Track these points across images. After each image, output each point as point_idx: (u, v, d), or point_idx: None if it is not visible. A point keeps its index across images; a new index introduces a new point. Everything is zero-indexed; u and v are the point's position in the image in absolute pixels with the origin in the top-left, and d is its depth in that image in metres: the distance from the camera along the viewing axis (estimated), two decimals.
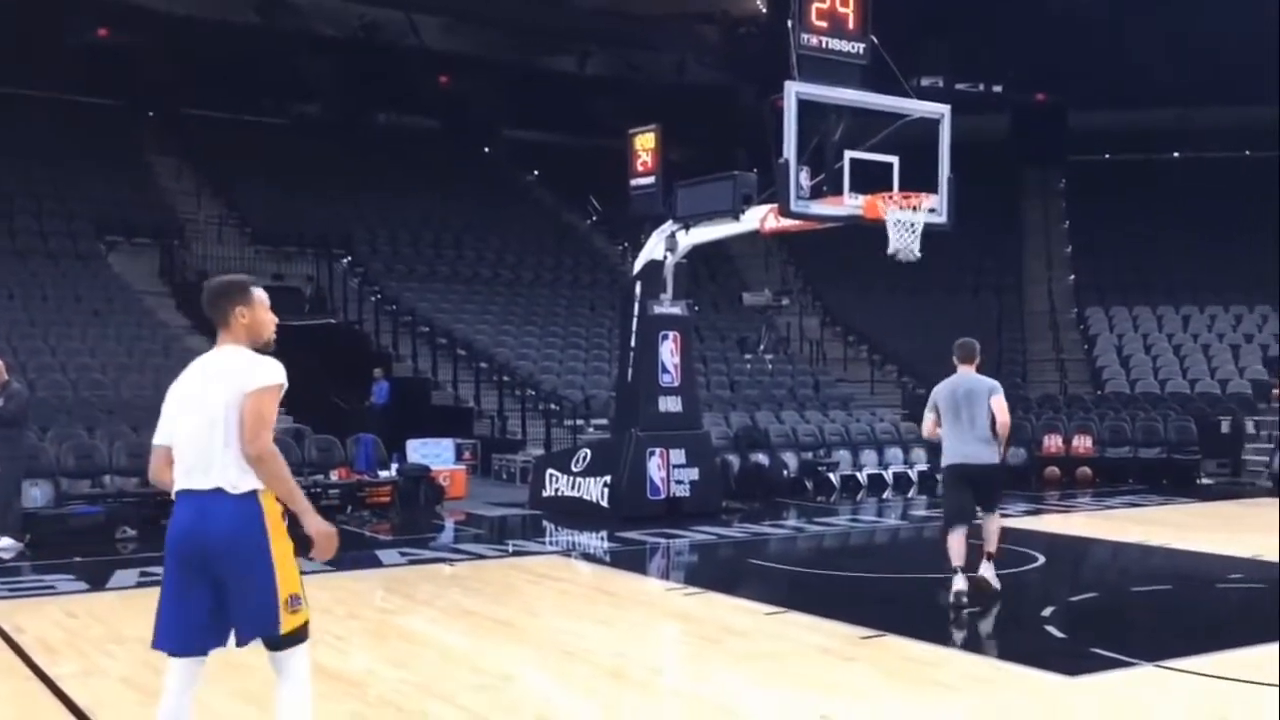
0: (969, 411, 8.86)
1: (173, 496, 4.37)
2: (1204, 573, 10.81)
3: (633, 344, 14.71)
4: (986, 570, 9.14)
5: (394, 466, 15.52)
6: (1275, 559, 10.94)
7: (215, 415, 4.28)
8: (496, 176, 29.27)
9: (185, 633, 4.29)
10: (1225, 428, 19.51)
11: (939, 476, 10.28)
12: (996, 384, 9.05)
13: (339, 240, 24.10)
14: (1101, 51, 26.34)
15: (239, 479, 4.27)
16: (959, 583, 8.79)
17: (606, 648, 7.67)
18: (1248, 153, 28.07)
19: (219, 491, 4.26)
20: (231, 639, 4.35)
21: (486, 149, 30.82)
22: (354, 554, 11.38)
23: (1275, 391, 14.42)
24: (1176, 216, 25.47)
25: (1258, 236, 24.42)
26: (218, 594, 4.26)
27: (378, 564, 11.22)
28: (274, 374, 4.37)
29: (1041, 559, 11.34)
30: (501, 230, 26.48)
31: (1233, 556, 11.23)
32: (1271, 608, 9.38)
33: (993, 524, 9.20)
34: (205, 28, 26.57)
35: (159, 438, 4.49)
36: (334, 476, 14.84)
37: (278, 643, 4.34)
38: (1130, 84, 26.83)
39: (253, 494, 4.29)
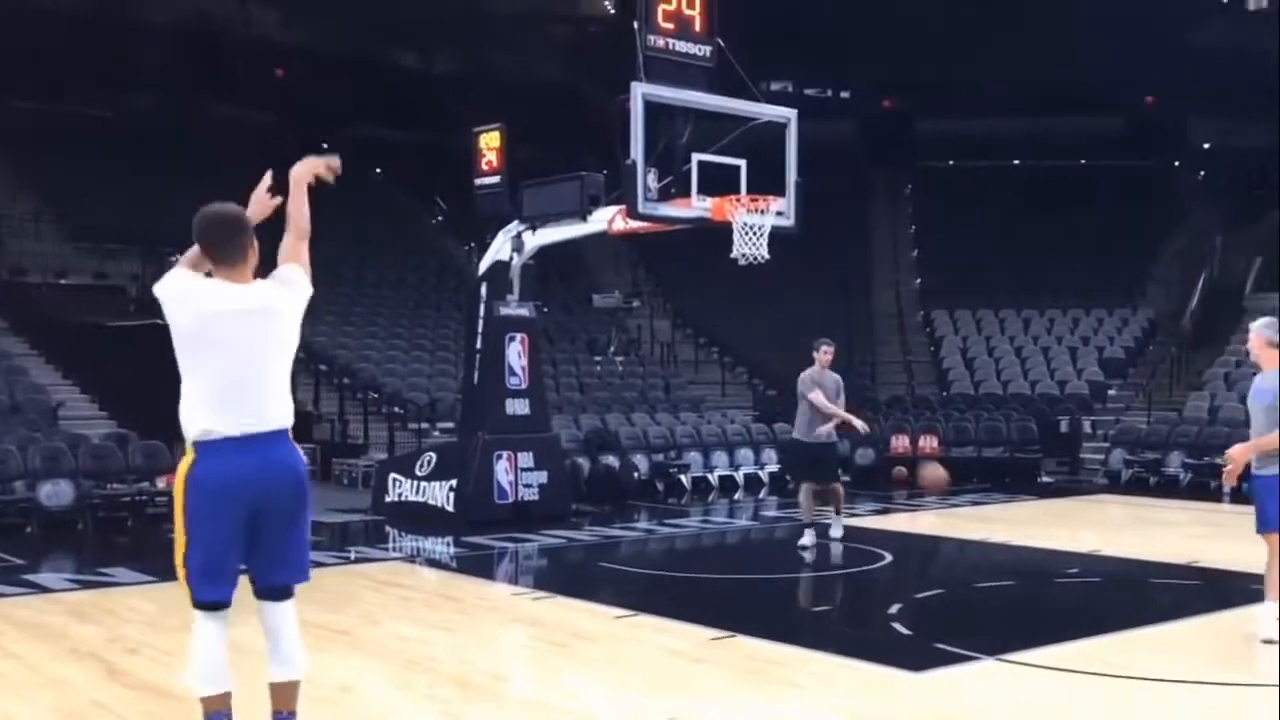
0: None
1: (210, 438, 4.16)
2: (1044, 568, 11.23)
3: (479, 346, 14.59)
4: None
5: None
6: (1111, 554, 11.45)
7: (273, 351, 4.27)
8: (340, 174, 28.65)
9: (231, 581, 4.35)
10: (1064, 427, 20.38)
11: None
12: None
13: (167, 237, 23.13)
14: (947, 60, 27.21)
15: (290, 419, 4.26)
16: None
17: (451, 655, 7.55)
18: (1083, 162, 29.39)
19: (283, 433, 4.23)
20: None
21: (326, 144, 30.11)
22: None
23: None
24: (1018, 222, 26.47)
25: (1095, 243, 25.61)
26: (254, 540, 4.28)
27: None
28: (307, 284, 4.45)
29: (889, 557, 11.62)
30: (343, 228, 25.90)
31: (1071, 552, 11.71)
32: (1107, 601, 9.81)
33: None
34: (26, 12, 25.37)
35: (197, 378, 4.25)
36: (161, 484, 14.27)
37: (291, 591, 4.52)
38: (975, 93, 27.78)
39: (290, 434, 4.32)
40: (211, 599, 4.41)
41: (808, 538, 11.82)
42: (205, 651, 4.42)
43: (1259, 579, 8.62)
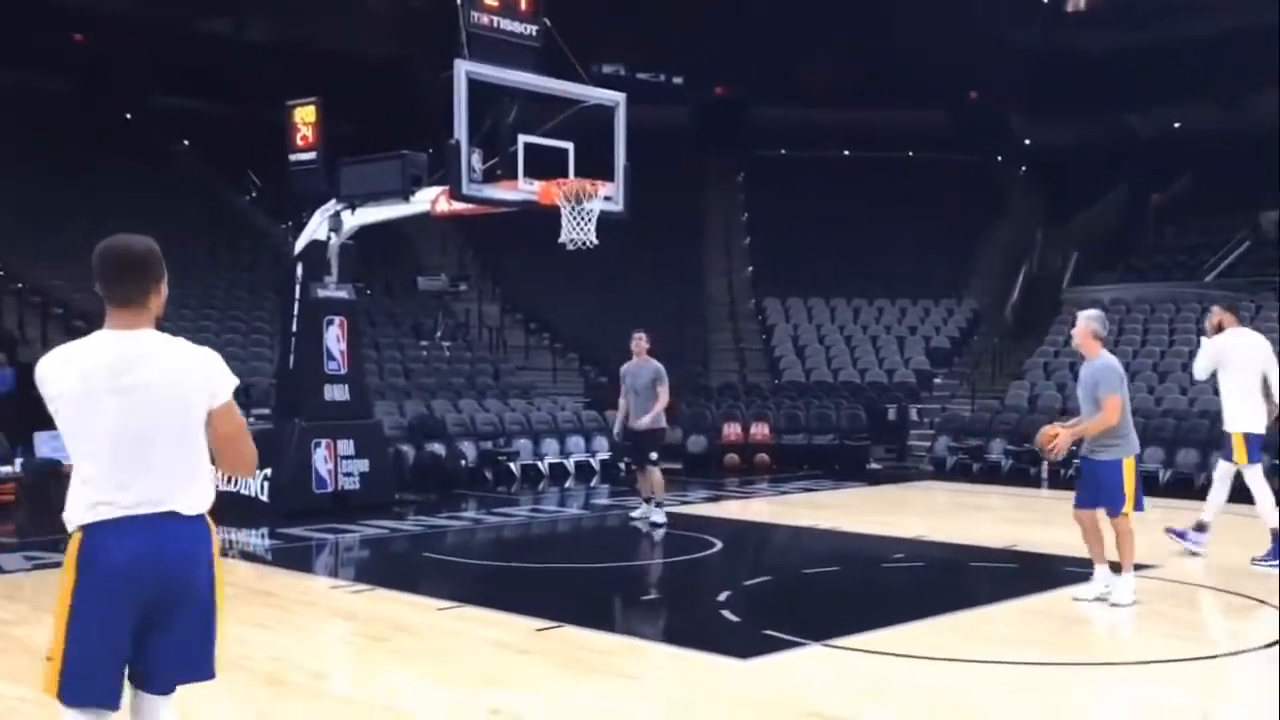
0: None
1: (92, 521, 3.63)
2: (871, 553, 11.56)
3: (294, 329, 14.25)
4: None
5: (18, 461, 14.30)
6: (935, 539, 11.86)
7: (177, 424, 3.69)
8: (143, 145, 27.51)
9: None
10: (892, 415, 21.01)
11: None
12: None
13: None
14: (778, 49, 27.72)
15: (197, 500, 3.75)
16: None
17: (263, 652, 7.31)
18: (910, 154, 30.34)
19: (174, 515, 3.69)
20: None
21: (129, 115, 28.92)
22: None
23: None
24: (848, 212, 27.14)
25: (921, 234, 26.47)
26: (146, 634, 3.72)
27: None
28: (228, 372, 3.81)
29: (719, 544, 11.78)
30: (148, 204, 24.88)
31: (897, 537, 12.06)
32: (930, 585, 10.15)
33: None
34: None
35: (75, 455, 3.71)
36: None
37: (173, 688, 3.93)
38: (805, 83, 28.39)
39: (203, 516, 3.78)
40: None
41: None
42: None
43: (1074, 561, 9.07)
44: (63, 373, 3.74)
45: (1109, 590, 8.38)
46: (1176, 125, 30.12)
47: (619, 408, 12.85)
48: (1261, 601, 8.56)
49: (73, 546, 3.68)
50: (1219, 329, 10.15)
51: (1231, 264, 23.88)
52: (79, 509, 3.67)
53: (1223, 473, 10.23)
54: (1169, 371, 20.00)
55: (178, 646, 3.84)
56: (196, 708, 6.12)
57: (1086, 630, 8.10)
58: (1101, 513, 8.35)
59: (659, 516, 12.65)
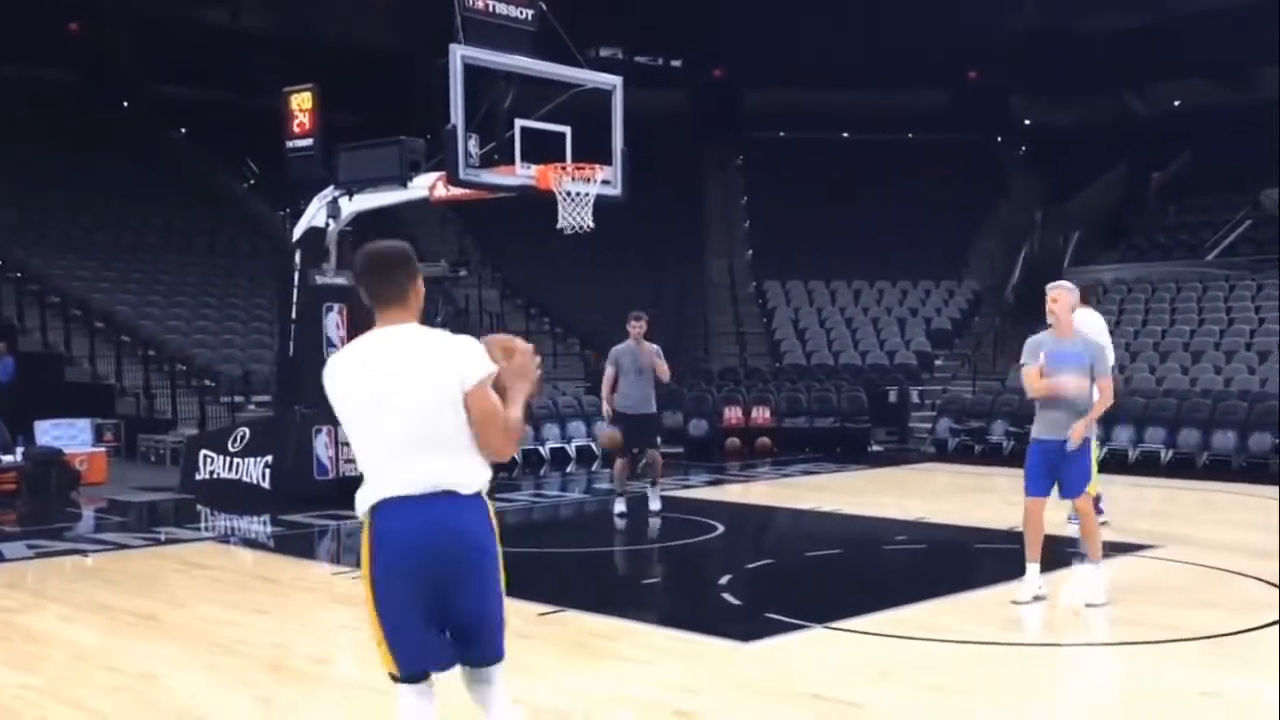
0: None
1: (378, 501, 3.86)
2: (872, 536, 11.56)
3: (294, 316, 14.24)
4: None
5: (19, 450, 14.30)
6: (936, 520, 11.85)
7: (443, 412, 3.86)
8: (140, 134, 27.45)
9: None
10: (893, 397, 21.00)
11: None
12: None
13: None
14: (776, 31, 27.64)
15: (471, 478, 3.94)
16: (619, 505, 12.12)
17: (263, 638, 7.33)
18: (910, 135, 30.26)
19: (451, 494, 3.89)
20: None
21: (126, 103, 28.86)
22: None
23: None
24: (847, 194, 27.09)
25: (922, 215, 26.41)
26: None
27: None
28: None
29: (721, 528, 11.78)
30: (146, 192, 24.90)
31: (899, 519, 12.07)
32: (932, 567, 10.15)
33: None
34: None
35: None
36: None
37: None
38: (803, 65, 28.29)
39: (479, 494, 3.99)
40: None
41: (617, 505, 12.34)
42: None
43: (1075, 543, 9.06)
44: (343, 373, 3.96)
45: (1043, 588, 7.94)
46: (1176, 104, 30.06)
47: (604, 391, 12.30)
48: (1260, 579, 8.56)
49: (365, 532, 3.91)
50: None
51: (1233, 243, 23.83)
52: (367, 496, 3.90)
53: None
54: (1170, 351, 19.98)
55: (474, 619, 3.99)
56: (198, 693, 6.16)
57: (1088, 611, 8.09)
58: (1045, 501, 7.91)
59: (657, 503, 12.49)
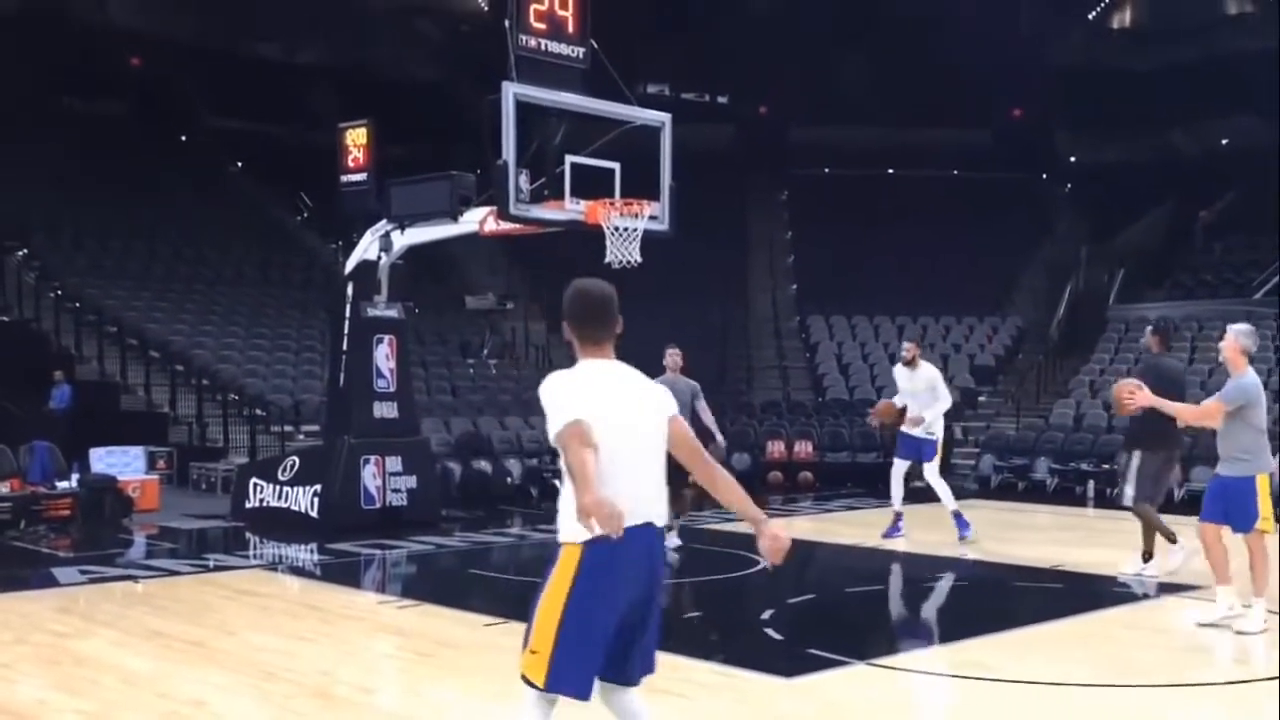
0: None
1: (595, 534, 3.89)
2: (914, 572, 11.46)
3: (345, 347, 14.32)
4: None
5: (74, 477, 14.51)
6: (979, 558, 11.74)
7: (658, 444, 4.14)
8: (196, 166, 27.92)
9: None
10: None
11: None
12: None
13: (13, 232, 22.39)
14: (820, 68, 27.73)
15: (665, 512, 4.21)
16: None
17: (311, 666, 7.37)
18: (955, 172, 30.18)
19: (652, 526, 4.11)
20: None
21: (184, 137, 29.36)
22: (26, 573, 10.65)
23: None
24: (892, 231, 27.04)
25: (966, 251, 26.29)
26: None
27: (53, 583, 10.44)
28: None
29: (761, 562, 11.70)
30: (201, 224, 25.27)
31: (940, 556, 11.95)
32: (975, 604, 10.05)
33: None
34: None
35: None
36: (4, 488, 13.74)
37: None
38: (848, 102, 28.35)
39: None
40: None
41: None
42: None
43: (1120, 582, 8.95)
44: (579, 399, 4.06)
45: (1233, 613, 8.25)
46: (1224, 142, 29.78)
47: None
48: None
49: (574, 555, 4.02)
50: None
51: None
52: (580, 523, 3.87)
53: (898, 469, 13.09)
54: (1216, 388, 19.69)
55: (647, 644, 4.21)
56: (241, 719, 6.20)
57: (1133, 652, 7.98)
58: (1227, 530, 8.26)
59: (675, 540, 12.24)
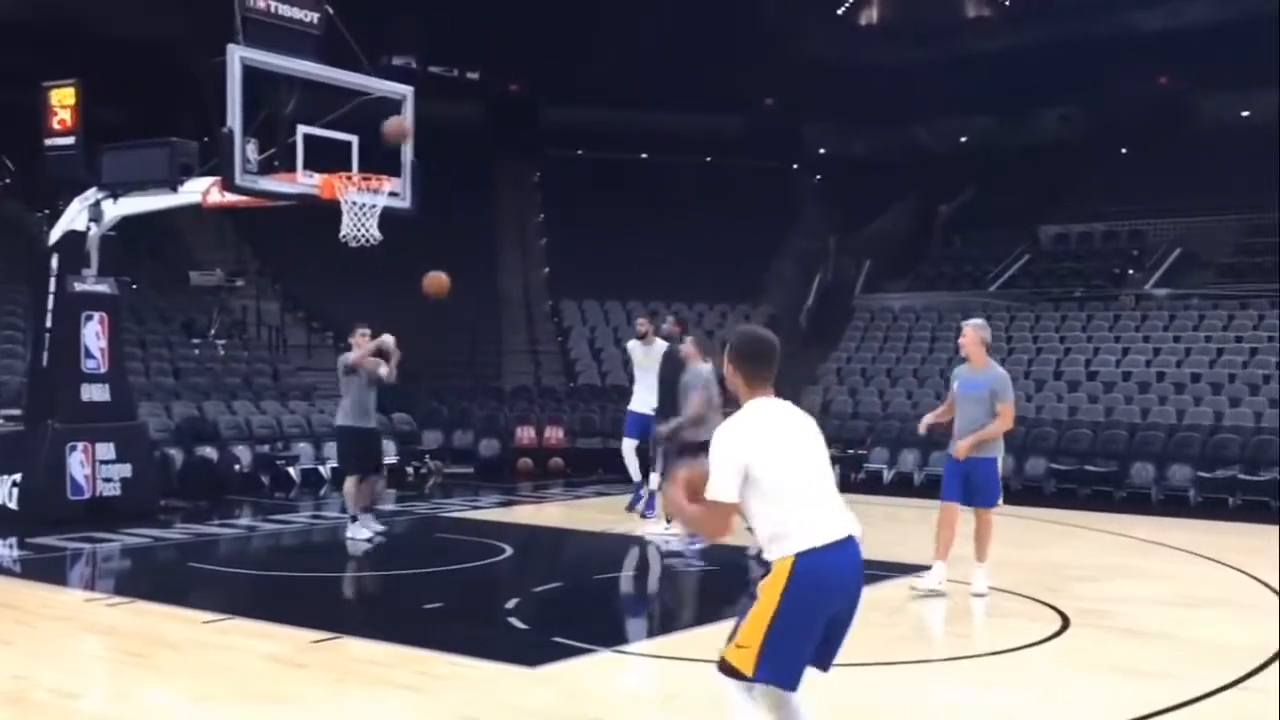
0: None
1: (806, 547, 4.41)
2: (664, 558, 11.58)
3: (49, 325, 13.50)
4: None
5: None
6: (728, 541, 11.96)
7: (826, 462, 4.63)
8: None
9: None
10: None
11: None
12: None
13: None
14: (575, 48, 27.78)
15: (854, 522, 4.59)
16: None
17: (6, 670, 6.85)
18: (709, 159, 30.85)
19: (850, 538, 4.53)
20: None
21: None
22: None
23: None
24: (646, 215, 27.36)
25: (719, 238, 26.88)
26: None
27: None
28: None
29: (509, 550, 11.66)
30: None
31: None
32: (719, 588, 10.26)
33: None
34: None
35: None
36: None
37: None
38: (602, 83, 28.51)
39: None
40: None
41: (363, 530, 12.06)
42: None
43: (866, 564, 9.30)
44: (755, 440, 4.54)
45: (942, 584, 9.10)
46: (963, 139, 31.55)
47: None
48: (1037, 600, 8.97)
49: (785, 565, 4.43)
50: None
51: (1013, 275, 25.07)
52: (792, 538, 4.45)
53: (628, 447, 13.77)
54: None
55: (835, 650, 4.66)
56: None
57: (875, 632, 8.29)
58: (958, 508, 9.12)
59: (378, 526, 12.50)
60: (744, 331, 4.88)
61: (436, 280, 12.27)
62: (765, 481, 4.48)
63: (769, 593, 4.48)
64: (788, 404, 4.73)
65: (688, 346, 11.93)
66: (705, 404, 11.02)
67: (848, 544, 4.54)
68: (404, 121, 12.21)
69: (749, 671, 4.52)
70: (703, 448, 10.13)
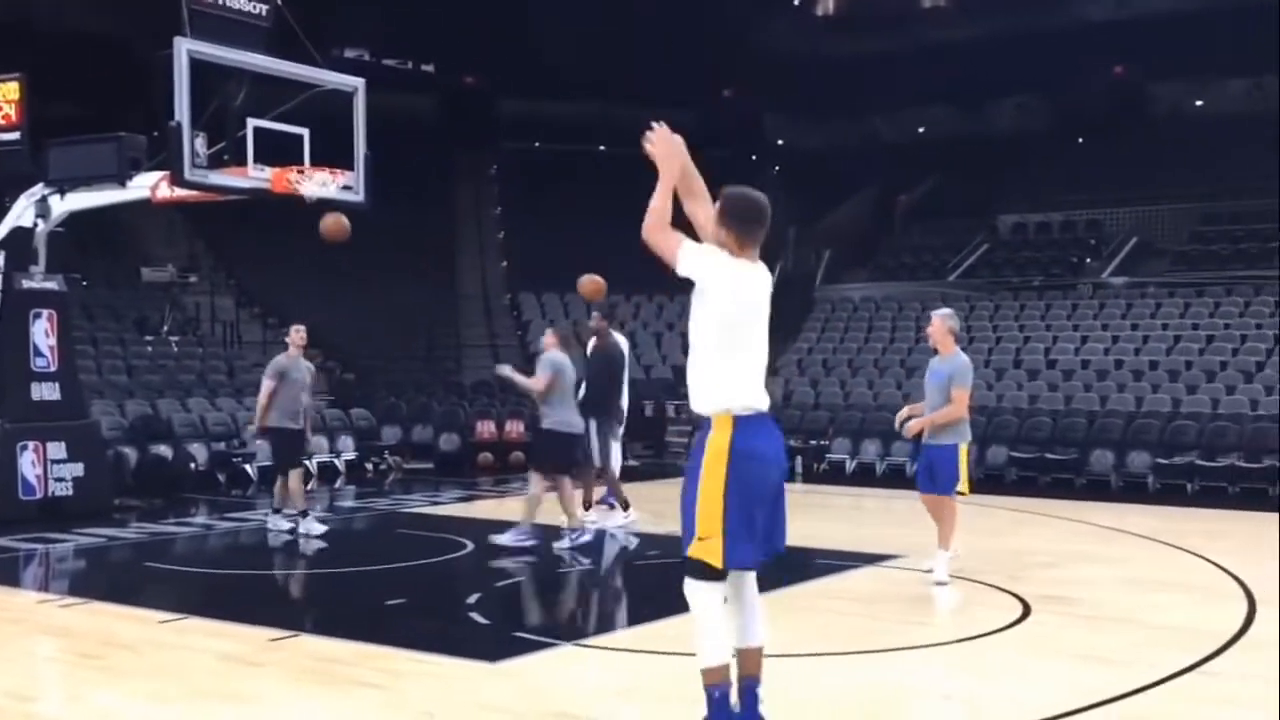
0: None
1: (742, 413, 4.58)
2: (625, 551, 11.61)
3: None
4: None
5: None
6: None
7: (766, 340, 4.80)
8: None
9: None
10: (649, 411, 21.29)
11: None
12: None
13: None
14: (530, 40, 27.68)
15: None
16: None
17: None
18: None
19: (769, 413, 4.74)
20: None
21: None
22: None
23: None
24: (604, 207, 27.21)
25: (680, 229, 26.88)
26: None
27: None
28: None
29: (470, 545, 11.62)
30: None
31: (653, 534, 12.14)
32: (682, 581, 10.25)
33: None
34: None
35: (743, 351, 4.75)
36: None
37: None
38: (557, 75, 28.42)
39: None
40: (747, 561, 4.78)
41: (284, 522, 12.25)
42: (717, 621, 4.81)
43: (828, 554, 9.37)
44: (738, 286, 4.79)
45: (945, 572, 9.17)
46: (921, 130, 31.70)
47: (262, 403, 12.36)
48: (998, 587, 9.03)
49: (725, 439, 4.59)
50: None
51: (972, 265, 25.23)
52: (728, 400, 4.64)
53: None
54: (916, 367, 20.92)
55: (781, 519, 4.83)
56: None
57: (833, 619, 8.33)
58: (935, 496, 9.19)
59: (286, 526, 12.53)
60: (735, 192, 5.04)
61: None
62: (724, 319, 4.70)
63: (712, 475, 4.59)
64: (767, 273, 4.94)
65: (558, 333, 12.71)
66: (549, 388, 11.53)
67: (770, 418, 4.72)
68: (341, 218, 12.01)
69: (718, 562, 4.62)
70: (542, 435, 10.64)
